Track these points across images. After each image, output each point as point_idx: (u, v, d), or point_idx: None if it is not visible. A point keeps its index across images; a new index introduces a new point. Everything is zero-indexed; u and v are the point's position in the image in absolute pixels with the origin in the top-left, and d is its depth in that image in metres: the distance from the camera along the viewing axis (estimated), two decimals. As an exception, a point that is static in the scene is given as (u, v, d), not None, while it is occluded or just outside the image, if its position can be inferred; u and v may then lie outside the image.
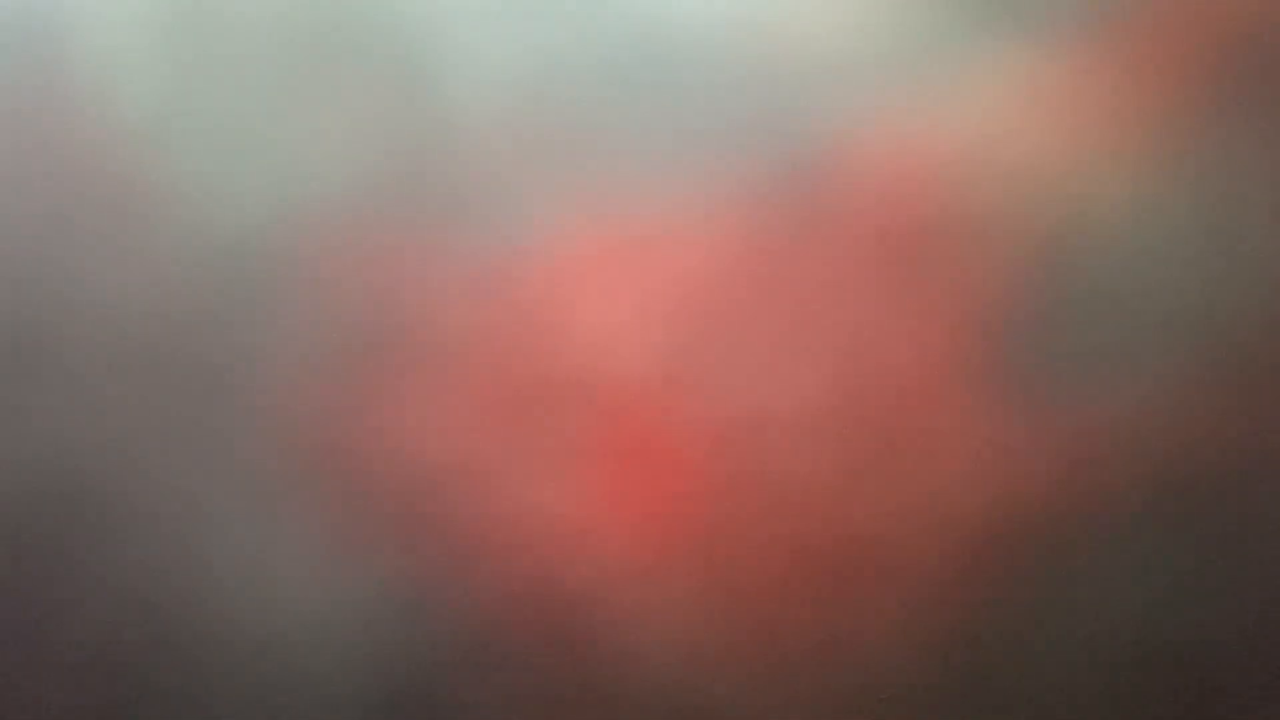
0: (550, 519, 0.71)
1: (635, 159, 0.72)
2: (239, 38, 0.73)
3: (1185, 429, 0.71)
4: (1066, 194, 0.72)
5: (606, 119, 0.72)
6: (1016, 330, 0.71)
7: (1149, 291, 0.71)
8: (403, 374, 0.72)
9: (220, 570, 0.72)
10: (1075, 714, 0.71)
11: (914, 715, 0.71)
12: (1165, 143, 0.72)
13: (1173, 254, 0.72)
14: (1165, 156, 0.72)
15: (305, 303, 0.72)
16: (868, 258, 0.71)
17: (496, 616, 0.71)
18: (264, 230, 0.72)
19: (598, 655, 0.71)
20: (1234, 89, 0.72)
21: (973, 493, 0.71)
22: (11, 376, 0.72)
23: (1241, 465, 0.71)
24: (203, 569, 0.72)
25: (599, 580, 0.71)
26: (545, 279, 0.72)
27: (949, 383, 0.71)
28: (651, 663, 0.71)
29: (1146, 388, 0.71)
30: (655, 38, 0.73)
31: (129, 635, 0.72)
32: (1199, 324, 0.72)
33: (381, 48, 0.73)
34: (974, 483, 0.71)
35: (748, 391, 0.71)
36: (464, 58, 0.73)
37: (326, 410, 0.72)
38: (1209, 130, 0.72)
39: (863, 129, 0.72)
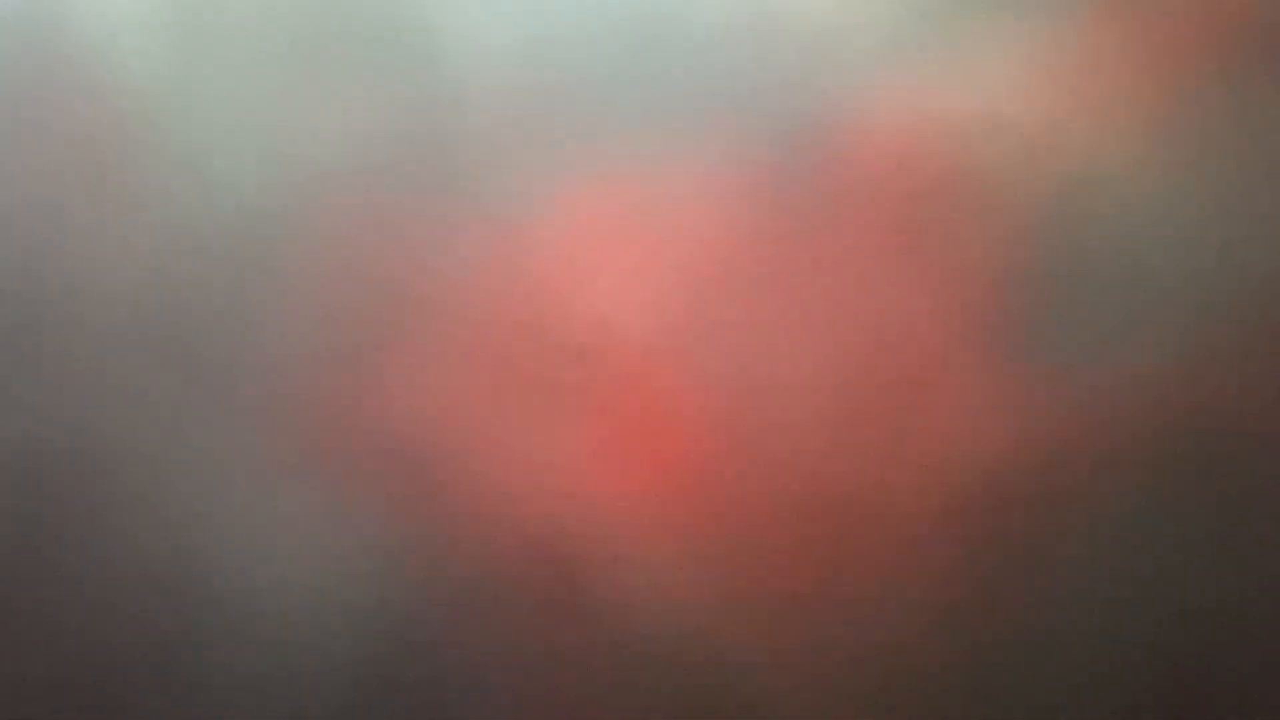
0: (551, 484, 0.71)
1: (639, 128, 0.72)
2: (237, 13, 0.73)
3: (1191, 391, 0.71)
4: (1073, 162, 0.72)
5: (610, 89, 0.73)
6: (1022, 296, 0.71)
7: (1154, 257, 0.71)
8: (403, 343, 0.72)
9: (217, 535, 0.72)
10: (1075, 674, 0.71)
11: (913, 671, 0.71)
12: (1171, 110, 0.72)
13: (1178, 220, 0.72)
14: (1171, 123, 0.72)
15: (305, 275, 0.72)
16: (873, 225, 0.71)
17: (495, 579, 0.72)
18: (263, 204, 0.73)
19: (596, 616, 0.71)
20: (1240, 58, 0.72)
21: (977, 455, 0.71)
22: (9, 354, 0.72)
23: (1247, 427, 0.71)
24: (199, 534, 0.72)
25: (599, 543, 0.71)
26: (548, 249, 0.72)
27: (953, 347, 0.71)
28: (650, 623, 0.72)
29: (1151, 351, 0.71)
30: (659, 7, 0.73)
31: (124, 604, 0.72)
32: (1204, 288, 0.72)
33: (381, 20, 0.73)
34: (978, 445, 0.71)
35: (751, 357, 0.71)
36: (465, 29, 0.73)
37: (326, 378, 0.72)
38: (1214, 97, 0.72)
39: (869, 97, 0.72)
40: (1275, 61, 0.72)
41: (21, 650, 0.72)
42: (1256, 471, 0.71)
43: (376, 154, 0.73)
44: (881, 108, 0.72)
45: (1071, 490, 0.71)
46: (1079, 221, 0.72)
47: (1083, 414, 0.71)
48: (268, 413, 0.72)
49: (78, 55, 0.73)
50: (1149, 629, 0.71)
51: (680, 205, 0.72)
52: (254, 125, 0.73)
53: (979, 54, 0.72)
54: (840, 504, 0.71)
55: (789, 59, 0.72)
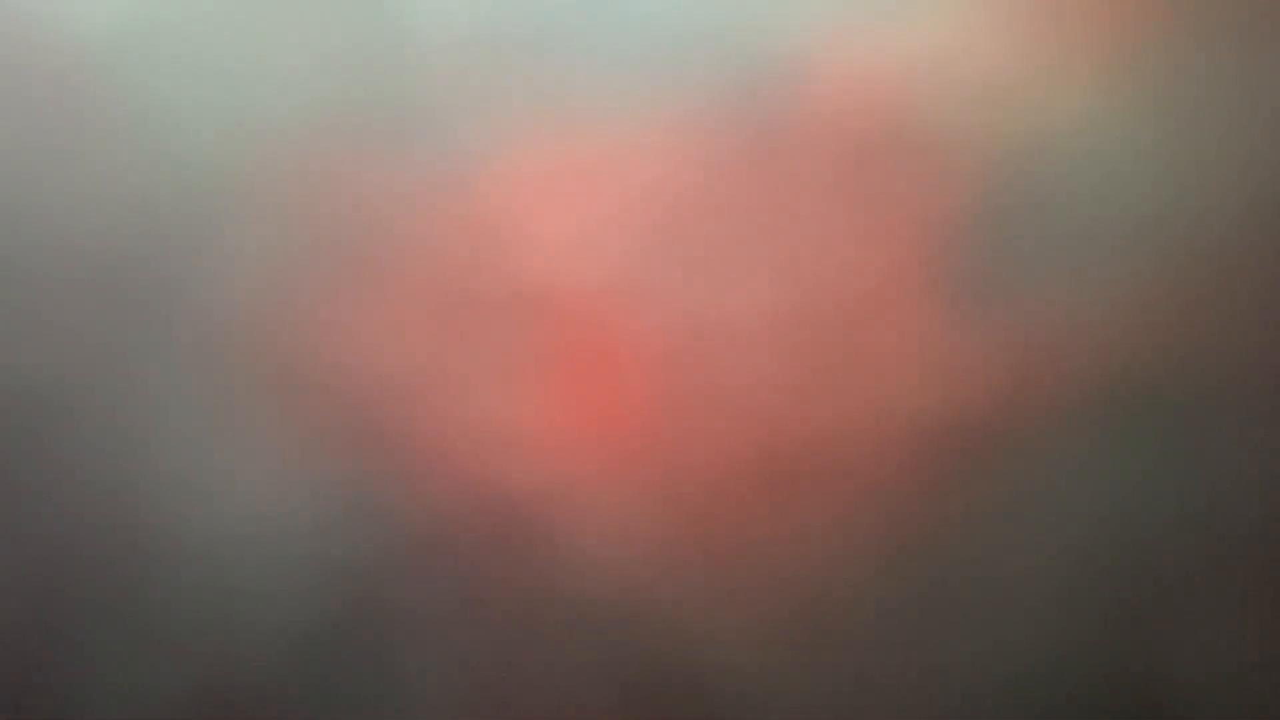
0: (502, 426, 0.72)
1: (592, 74, 0.72)
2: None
3: (1135, 336, 0.72)
4: (1023, 107, 0.72)
5: (558, 39, 0.73)
6: (970, 240, 0.72)
7: (1103, 202, 0.72)
8: (357, 286, 0.72)
9: (174, 477, 0.73)
10: (1023, 613, 0.71)
11: (862, 615, 0.71)
12: (1122, 56, 0.72)
13: (1126, 166, 0.72)
14: (1122, 70, 0.72)
15: (263, 216, 0.73)
16: (825, 172, 0.72)
17: (447, 522, 0.72)
18: (216, 154, 0.73)
19: (548, 560, 0.72)
20: (1193, 13, 0.72)
21: (923, 398, 0.71)
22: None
23: (1193, 372, 0.72)
24: (157, 476, 0.73)
25: (551, 486, 0.72)
26: (501, 193, 0.72)
27: (901, 291, 0.71)
28: (601, 567, 0.72)
29: (1098, 296, 0.72)
30: (610, -48, 0.73)
31: (71, 545, 0.73)
32: (1152, 234, 0.72)
33: (339, -37, 0.73)
34: (925, 389, 0.71)
35: (702, 304, 0.71)
36: (420, -28, 0.73)
37: (282, 320, 0.72)
38: (1166, 44, 0.72)
39: (821, 43, 0.72)
40: (1228, 16, 0.72)
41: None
42: (1202, 414, 0.72)
43: (333, 100, 0.73)
44: (834, 55, 0.72)
45: (1021, 432, 0.71)
46: (1030, 166, 0.72)
47: (1033, 358, 0.71)
48: (220, 360, 0.72)
49: (33, 10, 0.73)
50: (1099, 569, 0.72)
51: (629, 154, 0.72)
52: (206, 77, 0.73)
53: (931, 2, 0.72)
54: (792, 449, 0.71)
55: (744, 8, 0.72)
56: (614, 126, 0.72)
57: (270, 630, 0.72)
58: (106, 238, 0.73)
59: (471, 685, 0.72)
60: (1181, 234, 0.72)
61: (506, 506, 0.72)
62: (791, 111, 0.72)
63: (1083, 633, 0.71)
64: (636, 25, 0.73)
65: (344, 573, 0.72)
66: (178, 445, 0.72)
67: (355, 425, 0.72)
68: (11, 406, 0.73)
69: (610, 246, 0.72)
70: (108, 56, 0.73)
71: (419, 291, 0.72)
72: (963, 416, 0.71)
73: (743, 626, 0.71)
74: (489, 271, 0.72)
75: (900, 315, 0.71)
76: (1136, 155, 0.72)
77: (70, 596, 0.72)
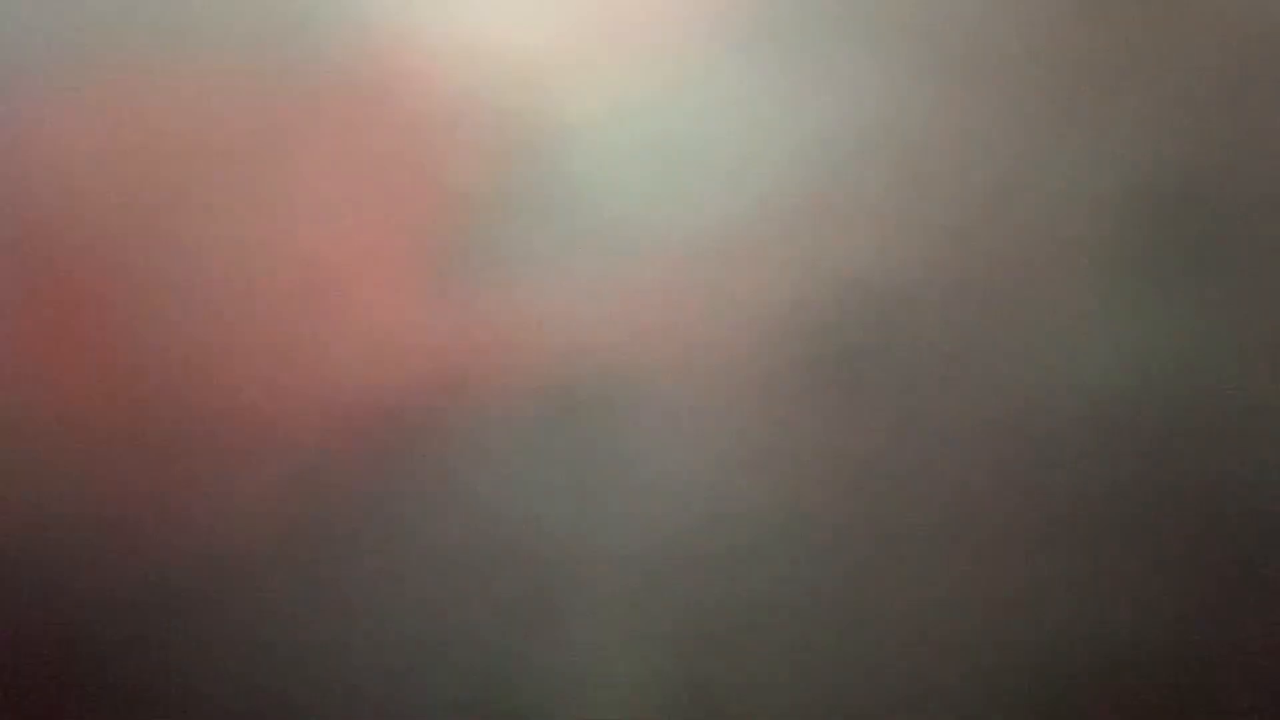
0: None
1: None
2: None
3: (608, 334, 0.70)
4: (559, 96, 0.71)
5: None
6: (471, 224, 0.70)
7: (618, 193, 0.70)
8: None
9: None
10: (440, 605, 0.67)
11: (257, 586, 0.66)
12: (649, 49, 0.71)
13: (639, 158, 0.71)
14: (643, 65, 0.71)
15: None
16: (337, 143, 0.69)
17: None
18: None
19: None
20: (739, 5, 0.71)
21: (370, 376, 0.68)
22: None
23: (635, 368, 0.69)
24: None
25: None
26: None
27: (380, 267, 0.69)
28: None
29: (576, 294, 0.70)
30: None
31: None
32: (656, 233, 0.71)
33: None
34: (374, 367, 0.68)
35: (170, 257, 0.67)
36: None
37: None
38: (694, 36, 0.71)
39: (349, 21, 0.70)
40: (773, 20, 0.71)
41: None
42: (657, 419, 0.69)
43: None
44: (362, 31, 0.69)
45: (457, 421, 0.68)
46: (552, 158, 0.70)
47: (491, 349, 0.69)
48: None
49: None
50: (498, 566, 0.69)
51: (148, 104, 0.68)
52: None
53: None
54: (210, 418, 0.68)
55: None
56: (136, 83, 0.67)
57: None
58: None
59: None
60: (680, 226, 0.70)
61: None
62: (317, 82, 0.68)
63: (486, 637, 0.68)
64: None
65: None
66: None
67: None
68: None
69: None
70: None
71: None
72: (405, 399, 0.68)
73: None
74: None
75: (369, 292, 0.68)
76: (653, 150, 0.70)
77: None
